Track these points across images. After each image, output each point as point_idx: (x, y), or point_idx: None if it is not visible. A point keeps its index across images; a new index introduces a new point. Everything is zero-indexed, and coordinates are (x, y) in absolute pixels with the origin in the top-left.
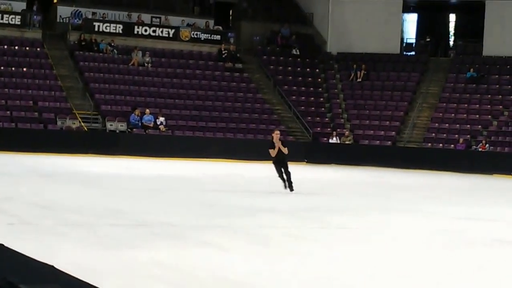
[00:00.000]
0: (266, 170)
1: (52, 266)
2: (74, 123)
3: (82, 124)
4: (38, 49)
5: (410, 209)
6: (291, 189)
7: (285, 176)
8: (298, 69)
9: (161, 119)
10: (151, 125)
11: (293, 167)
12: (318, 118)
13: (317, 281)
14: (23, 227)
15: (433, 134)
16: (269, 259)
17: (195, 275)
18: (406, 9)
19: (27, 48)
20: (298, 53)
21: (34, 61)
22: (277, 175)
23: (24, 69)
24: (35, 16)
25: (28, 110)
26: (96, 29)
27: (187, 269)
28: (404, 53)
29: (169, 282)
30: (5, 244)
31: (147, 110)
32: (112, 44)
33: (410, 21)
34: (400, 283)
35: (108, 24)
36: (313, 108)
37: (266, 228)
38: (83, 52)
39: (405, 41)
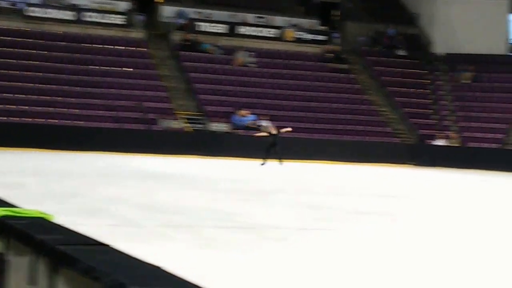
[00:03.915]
0: (373, 172)
1: (159, 268)
2: (177, 124)
3: (186, 124)
4: (142, 49)
5: None
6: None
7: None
8: (404, 70)
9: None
10: (254, 125)
11: (398, 169)
12: (424, 120)
13: None
14: (127, 228)
15: None
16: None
17: (305, 279)
18: None
19: (131, 48)
20: (404, 53)
21: (138, 61)
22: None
23: (128, 69)
24: (139, 16)
25: (132, 111)
26: (200, 29)
27: (298, 275)
28: (510, 54)
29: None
30: (111, 245)
31: (244, 111)
32: (216, 44)
33: None
34: None
35: (212, 24)
36: (419, 110)
37: (369, 233)
38: (187, 52)
39: (510, 42)
